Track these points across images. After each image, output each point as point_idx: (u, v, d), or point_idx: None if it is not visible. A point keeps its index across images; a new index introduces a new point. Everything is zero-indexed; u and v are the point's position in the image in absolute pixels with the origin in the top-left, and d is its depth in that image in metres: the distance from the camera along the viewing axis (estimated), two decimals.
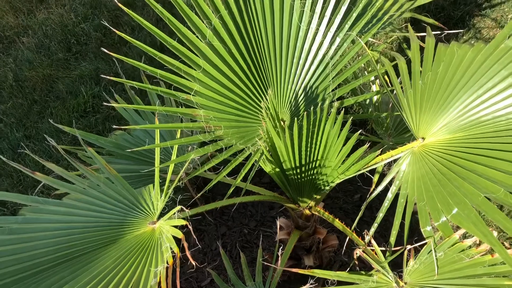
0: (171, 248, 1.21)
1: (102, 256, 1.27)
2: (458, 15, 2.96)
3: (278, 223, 1.96)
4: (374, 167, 1.57)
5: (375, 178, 1.81)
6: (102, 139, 1.87)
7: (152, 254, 1.26)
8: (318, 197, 1.79)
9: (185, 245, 1.15)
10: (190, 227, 1.19)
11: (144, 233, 1.36)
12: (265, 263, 1.70)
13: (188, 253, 1.14)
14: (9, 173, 2.70)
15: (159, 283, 1.16)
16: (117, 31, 1.38)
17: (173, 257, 1.21)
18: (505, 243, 2.10)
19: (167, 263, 1.19)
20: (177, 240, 1.29)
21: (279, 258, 1.66)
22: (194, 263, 1.17)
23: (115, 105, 1.34)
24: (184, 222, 1.25)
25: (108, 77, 1.34)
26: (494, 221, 1.20)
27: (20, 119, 2.90)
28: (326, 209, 1.82)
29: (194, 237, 1.29)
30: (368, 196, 1.59)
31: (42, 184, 1.63)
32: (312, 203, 1.81)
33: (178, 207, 1.27)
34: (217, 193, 2.52)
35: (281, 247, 1.83)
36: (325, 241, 2.11)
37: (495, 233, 1.21)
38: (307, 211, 1.85)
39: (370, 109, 1.99)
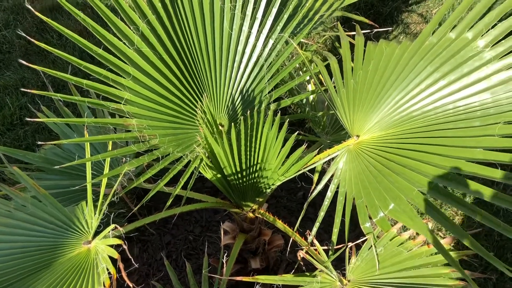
0: (107, 269, 1.15)
1: (35, 284, 1.18)
2: (387, 11, 3.05)
3: (225, 227, 1.94)
4: (313, 166, 1.57)
5: (315, 177, 1.83)
6: (30, 155, 1.76)
7: (89, 276, 1.19)
8: (261, 199, 1.78)
9: (121, 266, 1.10)
10: (125, 246, 1.13)
11: (79, 254, 1.29)
12: (211, 274, 1.66)
13: (124, 274, 1.09)
14: None
15: None
16: (37, 42, 1.29)
17: (110, 278, 1.15)
18: (439, 233, 2.20)
19: (103, 285, 1.12)
20: (115, 260, 1.23)
21: (225, 264, 1.64)
22: (131, 285, 1.12)
23: (41, 120, 1.25)
24: (119, 242, 1.19)
25: (31, 91, 1.25)
26: (427, 213, 1.24)
27: None
28: (271, 208, 1.82)
29: (130, 256, 1.23)
30: (309, 195, 1.60)
31: None
32: (255, 206, 1.80)
33: (112, 226, 1.21)
34: (158, 201, 2.45)
35: (226, 253, 1.81)
36: (270, 242, 2.11)
37: (430, 225, 1.25)
38: (251, 214, 1.83)
39: (307, 109, 2.00)
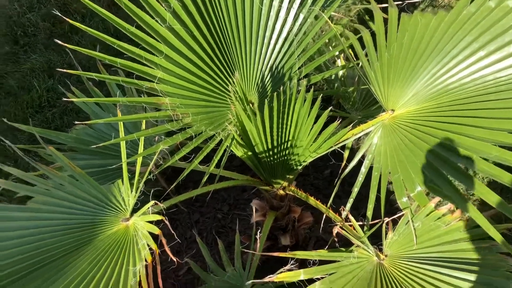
0: (148, 245, 1.17)
1: (76, 260, 1.21)
2: None
3: (255, 205, 1.94)
4: (345, 142, 1.56)
5: (346, 153, 1.81)
6: (63, 135, 1.78)
7: (129, 253, 1.21)
8: (291, 177, 1.77)
9: (164, 241, 1.11)
10: (167, 222, 1.14)
11: (118, 231, 1.31)
12: (244, 250, 1.68)
13: (167, 249, 1.10)
14: None
15: (140, 282, 1.12)
16: (69, 20, 1.29)
17: (151, 253, 1.16)
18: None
19: (145, 261, 1.14)
20: (153, 236, 1.24)
21: (257, 240, 1.65)
22: (175, 259, 1.13)
23: (75, 100, 1.26)
24: (160, 217, 1.20)
25: (64, 70, 1.25)
26: (467, 187, 1.22)
27: None
28: (298, 187, 1.81)
29: (172, 231, 1.24)
30: (340, 172, 1.59)
31: (1, 189, 1.55)
32: (285, 183, 1.80)
33: (152, 202, 1.22)
34: (188, 180, 2.47)
35: (258, 230, 1.82)
36: (300, 219, 2.11)
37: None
38: (281, 191, 1.83)
39: (336, 84, 1.97)
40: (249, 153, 1.65)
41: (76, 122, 1.35)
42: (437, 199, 1.35)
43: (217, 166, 1.54)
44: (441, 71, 1.42)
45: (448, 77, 1.41)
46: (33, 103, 2.74)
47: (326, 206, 1.67)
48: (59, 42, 1.23)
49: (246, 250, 1.69)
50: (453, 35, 1.41)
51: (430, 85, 1.44)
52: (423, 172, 1.31)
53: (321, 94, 1.45)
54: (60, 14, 1.29)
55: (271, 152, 1.62)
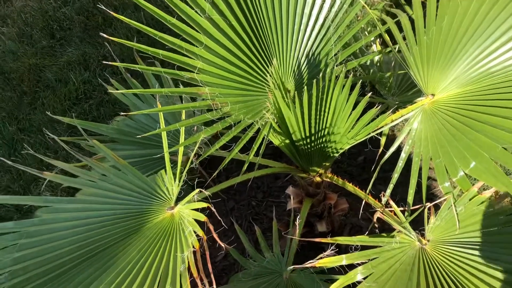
0: (195, 232, 1.20)
1: (126, 248, 1.26)
2: None
3: (290, 193, 1.96)
4: (384, 128, 1.55)
5: (383, 140, 1.80)
6: (103, 127, 1.83)
7: (176, 240, 1.25)
8: (327, 164, 1.78)
9: (211, 227, 1.14)
10: (213, 209, 1.17)
11: (164, 220, 1.35)
12: (286, 235, 1.70)
13: (215, 235, 1.13)
14: (7, 168, 2.65)
15: (188, 268, 1.15)
16: (114, 14, 1.32)
17: (198, 240, 1.20)
18: None
19: (193, 247, 1.17)
20: (198, 222, 1.27)
21: (296, 226, 1.66)
22: (223, 245, 1.16)
23: (123, 91, 1.30)
24: (206, 205, 1.23)
25: (110, 63, 1.29)
26: None
27: (12, 112, 2.83)
28: (332, 173, 1.82)
29: (219, 217, 1.27)
30: (377, 159, 1.59)
31: (47, 181, 1.61)
32: (321, 170, 1.81)
33: (197, 190, 1.25)
34: (221, 170, 2.50)
35: (293, 217, 1.83)
36: (335, 205, 2.12)
37: None
38: (318, 178, 1.84)
39: (372, 70, 1.96)
40: (287, 141, 1.67)
41: (121, 114, 1.38)
42: (480, 183, 1.34)
43: (255, 154, 1.56)
44: (482, 54, 1.39)
45: (490, 60, 1.39)
46: (70, 95, 2.81)
47: (364, 192, 1.68)
48: (105, 35, 1.26)
49: (286, 235, 1.71)
50: (495, 17, 1.38)
51: (471, 69, 1.41)
52: (466, 156, 1.29)
53: (360, 80, 1.44)
54: (104, 8, 1.32)
55: (308, 140, 1.63)
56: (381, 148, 1.78)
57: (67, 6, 3.17)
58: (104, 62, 1.42)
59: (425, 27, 1.49)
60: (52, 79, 2.90)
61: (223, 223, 1.33)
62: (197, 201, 1.28)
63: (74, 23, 3.10)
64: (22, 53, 3.04)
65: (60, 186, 2.25)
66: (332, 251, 1.45)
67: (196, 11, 1.39)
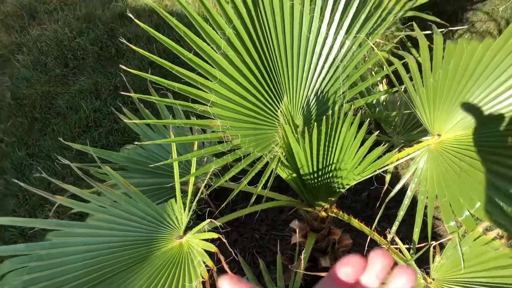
0: (204, 262, 1.21)
1: (135, 275, 1.27)
2: (451, 10, 3.00)
3: (296, 227, 1.97)
4: (390, 166, 1.59)
5: (387, 177, 1.83)
6: (114, 154, 1.87)
7: (185, 270, 1.26)
8: (333, 199, 1.80)
9: (222, 258, 1.16)
10: (224, 239, 1.19)
11: (172, 249, 1.36)
12: (291, 268, 1.70)
13: (226, 267, 1.15)
14: (14, 192, 2.68)
15: None
16: (134, 47, 1.38)
17: (208, 270, 1.21)
18: None
19: (202, 277, 1.19)
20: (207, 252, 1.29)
21: (300, 260, 1.67)
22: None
23: (137, 121, 1.34)
24: (216, 235, 1.25)
25: (127, 93, 1.34)
26: None
27: (22, 138, 2.87)
28: (336, 209, 1.84)
29: (230, 248, 1.29)
30: (382, 195, 1.61)
31: (55, 206, 1.63)
32: (327, 205, 1.83)
33: (208, 220, 1.27)
34: (226, 200, 2.53)
35: (301, 250, 1.84)
36: (340, 241, 2.13)
37: None
38: (323, 213, 1.86)
39: (378, 109, 2.01)
40: (294, 175, 1.70)
41: (135, 143, 1.42)
42: (485, 223, 1.36)
43: (263, 187, 1.59)
44: (489, 97, 1.44)
45: (497, 103, 1.43)
46: (80, 123, 2.87)
47: (369, 228, 1.69)
48: (123, 67, 1.32)
49: (290, 269, 1.72)
50: (501, 61, 1.44)
51: (478, 111, 1.46)
52: (472, 197, 1.32)
53: (368, 118, 1.48)
54: (125, 41, 1.38)
55: (315, 174, 1.66)
56: (386, 185, 1.81)
57: (81, 36, 3.27)
58: (122, 93, 1.47)
59: (431, 70, 1.54)
60: (64, 107, 2.96)
61: (233, 254, 1.34)
62: (207, 231, 1.30)
63: (88, 53, 3.19)
64: (36, 81, 3.11)
65: (68, 212, 2.27)
66: None
67: (212, 47, 1.45)
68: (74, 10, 3.41)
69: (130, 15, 1.33)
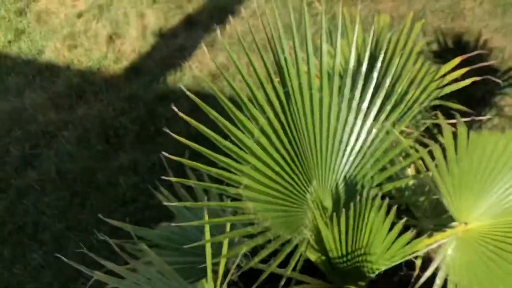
0: None
1: None
2: (479, 94, 3.08)
3: None
4: (420, 253, 1.60)
5: (418, 261, 1.83)
6: (150, 231, 1.95)
7: None
8: (363, 283, 1.80)
9: None
10: None
11: None
12: None
13: None
14: (51, 264, 2.76)
15: None
16: (177, 137, 1.50)
17: None
18: None
19: None
20: None
21: None
22: None
23: (176, 204, 1.43)
24: None
25: (168, 178, 1.45)
26: None
27: (63, 211, 3.01)
28: None
29: None
30: (414, 281, 1.61)
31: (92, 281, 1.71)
32: None
33: None
34: (253, 280, 2.53)
35: None
36: None
37: None
38: None
39: (406, 193, 2.04)
40: (323, 257, 1.73)
41: (173, 224, 1.51)
42: None
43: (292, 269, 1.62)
44: None
45: None
46: (117, 198, 2.99)
47: None
48: (166, 154, 1.43)
49: None
50: None
51: (504, 200, 1.49)
52: None
53: (396, 205, 1.53)
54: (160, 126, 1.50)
55: (344, 258, 1.69)
56: (417, 270, 1.80)
57: (124, 115, 3.48)
58: (163, 177, 1.59)
59: (456, 159, 1.60)
60: (103, 182, 3.11)
61: None
62: None
63: (128, 131, 3.39)
64: (79, 156, 3.30)
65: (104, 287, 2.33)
66: None
67: (245, 135, 1.57)
68: (119, 91, 3.67)
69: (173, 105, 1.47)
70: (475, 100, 3.07)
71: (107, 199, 3.00)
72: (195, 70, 3.72)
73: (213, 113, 1.50)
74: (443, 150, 1.67)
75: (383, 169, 1.81)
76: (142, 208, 2.90)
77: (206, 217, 1.58)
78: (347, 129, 1.73)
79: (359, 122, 1.72)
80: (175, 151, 1.60)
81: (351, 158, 1.75)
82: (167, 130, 1.47)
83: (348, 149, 1.74)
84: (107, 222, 2.37)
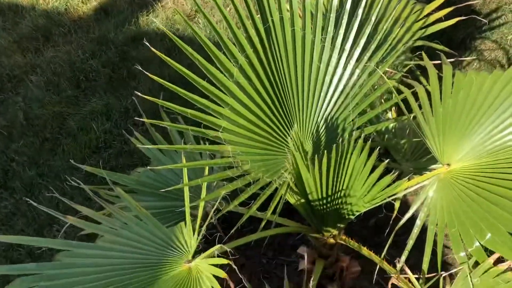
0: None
1: None
2: (460, 38, 3.03)
3: (303, 253, 1.96)
4: (400, 195, 1.59)
5: (397, 204, 1.83)
6: (125, 177, 1.89)
7: None
8: (342, 226, 1.80)
9: (232, 285, 1.16)
10: (234, 265, 1.20)
11: (181, 273, 1.37)
12: None
13: None
14: (23, 212, 2.69)
15: None
16: (153, 77, 1.41)
17: None
18: None
19: None
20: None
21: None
22: None
23: (150, 146, 1.36)
24: (226, 261, 1.25)
25: (141, 119, 1.36)
26: None
27: (32, 157, 2.90)
28: (345, 236, 1.84)
29: (240, 275, 1.29)
30: (391, 223, 1.62)
31: (66, 226, 1.65)
32: (335, 232, 1.83)
33: (218, 246, 1.28)
34: (232, 224, 2.52)
35: (304, 278, 1.83)
36: (348, 268, 2.11)
37: None
38: (332, 240, 1.86)
39: (387, 136, 2.02)
40: (302, 200, 1.70)
41: (148, 167, 1.45)
42: (496, 255, 1.35)
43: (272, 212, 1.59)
44: (498, 128, 1.45)
45: (506, 134, 1.44)
46: (90, 144, 2.90)
47: (379, 256, 1.69)
48: (138, 93, 1.34)
49: None
50: (510, 93, 1.45)
51: (487, 141, 1.47)
52: (482, 227, 1.32)
53: (378, 146, 1.49)
54: (138, 66, 1.41)
55: (324, 201, 1.67)
56: (395, 212, 1.81)
57: (94, 58, 3.32)
58: (136, 118, 1.50)
59: (441, 99, 1.56)
60: (74, 127, 3.00)
61: (244, 281, 1.35)
62: (216, 257, 1.30)
63: (100, 75, 3.24)
64: (48, 101, 3.16)
65: (75, 234, 2.28)
66: None
67: (224, 75, 1.48)
68: (88, 32, 3.48)
69: (147, 43, 1.37)
70: (455, 43, 3.02)
71: (79, 145, 2.89)
72: (169, 11, 3.54)
73: (190, 50, 1.40)
74: (427, 92, 1.63)
75: (365, 112, 1.77)
76: (116, 155, 2.81)
77: (184, 159, 1.52)
78: (330, 69, 1.66)
79: (342, 62, 1.65)
80: (149, 96, 1.51)
81: (333, 100, 1.70)
82: (140, 68, 1.36)
83: (331, 90, 1.68)
84: (80, 168, 2.29)
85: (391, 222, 1.69)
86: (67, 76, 3.26)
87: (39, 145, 2.96)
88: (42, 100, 3.17)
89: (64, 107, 3.11)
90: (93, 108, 3.06)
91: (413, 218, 1.58)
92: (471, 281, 1.35)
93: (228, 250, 1.31)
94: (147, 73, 1.37)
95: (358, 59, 1.66)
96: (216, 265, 1.32)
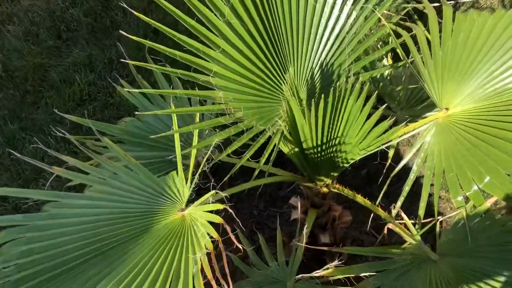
0: (208, 234, 1.19)
1: (136, 247, 1.24)
2: None
3: (295, 203, 1.95)
4: (394, 142, 1.56)
5: (391, 152, 1.81)
6: (112, 127, 1.82)
7: (188, 242, 1.23)
8: (335, 174, 1.78)
9: (228, 228, 1.13)
10: (230, 210, 1.17)
11: (174, 221, 1.33)
12: (290, 243, 1.69)
13: (232, 237, 1.12)
14: (7, 167, 2.62)
15: (202, 270, 1.14)
16: (137, 14, 1.31)
17: (213, 242, 1.18)
18: None
19: (207, 249, 1.16)
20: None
21: (302, 235, 1.65)
22: (240, 247, 1.15)
23: (136, 90, 1.29)
24: (221, 207, 1.22)
25: (127, 61, 1.28)
26: None
27: (14, 111, 2.80)
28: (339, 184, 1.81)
29: (237, 218, 1.27)
30: (385, 171, 1.59)
31: (51, 179, 1.59)
32: (329, 181, 1.80)
33: (213, 192, 1.24)
34: (223, 175, 2.49)
35: (302, 226, 1.82)
36: (339, 217, 2.11)
37: None
38: (325, 189, 1.83)
39: (382, 83, 1.97)
40: (296, 149, 1.66)
41: (136, 113, 1.38)
42: (494, 198, 1.34)
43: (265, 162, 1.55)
44: (499, 70, 1.41)
45: (506, 76, 1.40)
46: (74, 96, 2.80)
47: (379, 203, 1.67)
48: (123, 33, 1.26)
49: (289, 245, 1.70)
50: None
51: (487, 84, 1.42)
52: (481, 171, 1.30)
53: (376, 92, 1.44)
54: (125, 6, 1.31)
55: (319, 149, 1.63)
56: (389, 161, 1.78)
57: (75, 7, 3.17)
58: (122, 60, 1.41)
59: (440, 42, 1.50)
60: (57, 79, 2.89)
61: (240, 225, 1.32)
62: (211, 203, 1.27)
63: (81, 25, 3.10)
64: (28, 52, 3.03)
65: (62, 187, 2.23)
66: (340, 262, 1.44)
67: (215, 14, 1.39)
68: None
69: None
70: None
71: (62, 98, 2.80)
72: None
73: None
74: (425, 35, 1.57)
75: (360, 58, 1.70)
76: (101, 107, 2.73)
77: (172, 106, 1.45)
78: (326, 10, 1.58)
79: (339, 2, 1.57)
80: (134, 46, 1.42)
81: (329, 44, 1.62)
82: (123, 4, 1.26)
83: (326, 33, 1.61)
84: (64, 122, 2.22)
85: (384, 171, 1.67)
86: (46, 26, 3.12)
87: (20, 98, 2.85)
88: (22, 51, 3.03)
89: (45, 59, 2.99)
90: (76, 59, 2.94)
91: (406, 168, 1.56)
92: (468, 224, 1.34)
93: (224, 196, 1.27)
94: (132, 10, 1.28)
95: (355, 1, 1.58)
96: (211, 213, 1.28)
